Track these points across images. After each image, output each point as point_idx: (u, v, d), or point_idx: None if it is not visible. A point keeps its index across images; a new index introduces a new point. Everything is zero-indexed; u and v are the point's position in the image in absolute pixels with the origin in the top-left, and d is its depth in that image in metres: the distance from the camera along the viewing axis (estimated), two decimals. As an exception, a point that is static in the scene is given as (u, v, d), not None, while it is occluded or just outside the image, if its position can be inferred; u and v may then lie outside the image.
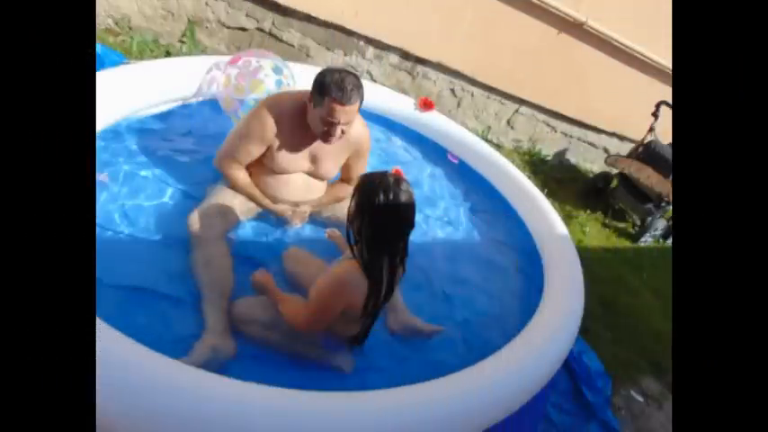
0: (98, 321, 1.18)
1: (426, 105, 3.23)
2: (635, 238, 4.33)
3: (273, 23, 3.59)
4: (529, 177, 3.40)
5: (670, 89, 4.31)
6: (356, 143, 2.04)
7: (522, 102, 4.57)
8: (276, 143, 1.90)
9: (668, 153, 4.22)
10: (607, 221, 4.42)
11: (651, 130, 4.37)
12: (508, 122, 4.69)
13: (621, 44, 4.30)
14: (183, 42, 3.51)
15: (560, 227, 2.64)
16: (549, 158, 4.95)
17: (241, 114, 2.29)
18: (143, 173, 2.02)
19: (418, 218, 1.52)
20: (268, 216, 2.07)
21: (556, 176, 4.70)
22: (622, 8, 4.15)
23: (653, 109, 4.31)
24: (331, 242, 2.01)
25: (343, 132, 1.81)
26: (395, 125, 3.22)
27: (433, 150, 3.20)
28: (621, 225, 4.50)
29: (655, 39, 4.21)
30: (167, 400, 1.17)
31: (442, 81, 4.23)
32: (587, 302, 2.17)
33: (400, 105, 3.23)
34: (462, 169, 3.14)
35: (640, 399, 2.64)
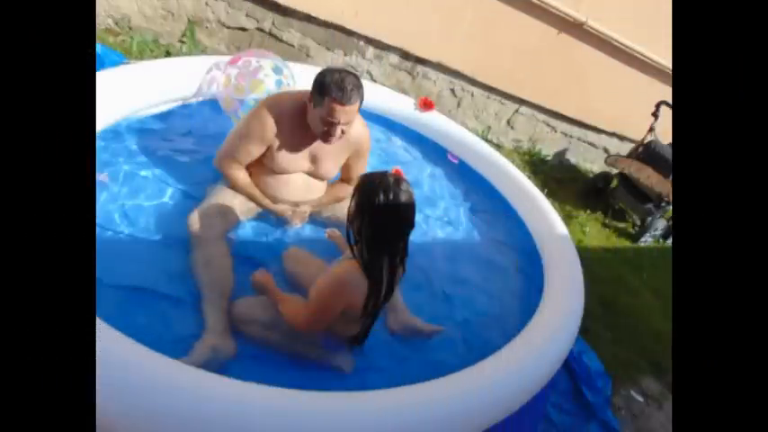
0: (98, 321, 1.18)
1: (426, 105, 3.23)
2: (635, 238, 4.33)
3: (273, 23, 3.59)
4: (529, 177, 3.40)
5: (670, 89, 4.31)
6: (356, 143, 2.04)
7: (522, 102, 4.57)
8: (276, 143, 1.90)
9: (668, 153, 4.22)
10: (607, 221, 4.42)
11: (651, 130, 4.37)
12: (508, 122, 4.69)
13: (621, 44, 4.30)
14: (183, 42, 3.51)
15: (560, 227, 2.64)
16: (549, 158, 4.95)
17: (241, 114, 2.30)
18: (143, 173, 2.02)
19: (418, 218, 1.51)
20: (268, 216, 2.07)
21: (556, 176, 4.70)
22: (622, 8, 4.15)
23: (653, 109, 4.31)
24: (331, 242, 2.01)
25: (343, 132, 1.81)
26: (395, 125, 3.22)
27: (433, 150, 3.20)
28: (621, 225, 4.50)
29: (655, 39, 4.21)
30: (167, 400, 1.17)
31: (442, 81, 4.23)
32: (587, 302, 2.17)
33: (400, 105, 3.23)
34: (462, 169, 3.14)
35: (640, 399, 2.64)
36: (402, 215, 1.44)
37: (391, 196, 1.40)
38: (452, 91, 4.32)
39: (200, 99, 2.54)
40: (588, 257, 2.85)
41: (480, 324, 2.10)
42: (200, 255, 1.74)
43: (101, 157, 2.00)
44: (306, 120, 1.86)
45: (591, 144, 5.17)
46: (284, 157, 1.94)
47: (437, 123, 3.26)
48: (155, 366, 1.21)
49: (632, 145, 4.69)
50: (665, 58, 4.44)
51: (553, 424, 2.20)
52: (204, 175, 2.10)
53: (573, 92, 4.61)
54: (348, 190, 1.98)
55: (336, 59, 3.87)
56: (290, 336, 1.61)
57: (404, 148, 3.12)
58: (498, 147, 4.55)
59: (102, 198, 1.85)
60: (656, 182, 4.15)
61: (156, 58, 3.28)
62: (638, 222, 4.51)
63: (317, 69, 1.80)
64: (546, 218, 2.70)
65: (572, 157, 5.17)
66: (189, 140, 2.33)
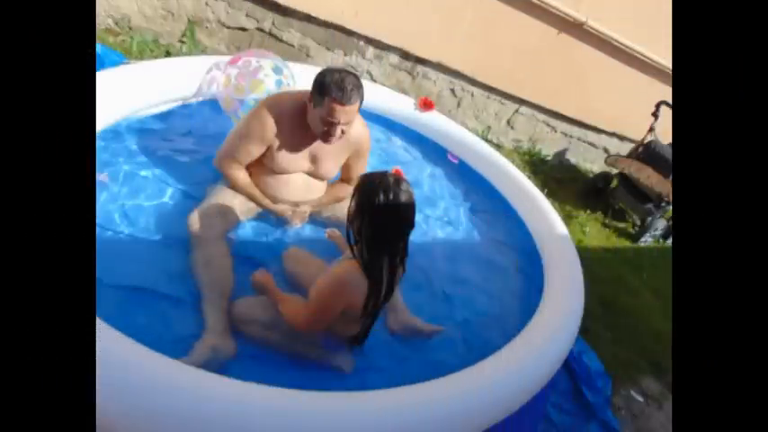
0: (98, 321, 1.18)
1: (426, 105, 3.23)
2: (635, 238, 4.33)
3: (273, 23, 3.59)
4: (529, 177, 3.40)
5: (670, 89, 4.31)
6: (356, 143, 2.04)
7: (522, 102, 4.57)
8: (276, 143, 1.90)
9: (668, 153, 4.22)
10: (607, 221, 4.43)
11: (651, 130, 4.37)
12: (508, 122, 4.69)
13: (621, 44, 4.30)
14: (183, 42, 3.51)
15: (560, 227, 2.64)
16: (549, 158, 4.95)
17: (241, 114, 2.29)
18: (143, 173, 2.02)
19: (418, 218, 1.51)
20: (268, 216, 2.07)
21: (556, 176, 4.70)
22: (622, 8, 4.15)
23: (653, 109, 4.31)
24: (331, 242, 2.01)
25: (343, 132, 1.81)
26: (395, 125, 3.22)
27: (433, 150, 3.20)
28: (621, 225, 4.50)
29: (655, 39, 4.21)
30: (167, 400, 1.17)
31: (442, 81, 4.23)
32: (587, 302, 2.17)
33: (400, 105, 3.23)
34: (462, 169, 3.14)
35: (640, 399, 2.64)
36: (402, 215, 1.44)
37: (391, 196, 1.40)
38: (452, 91, 4.32)
39: (200, 99, 2.54)
40: (588, 257, 2.85)
41: (480, 324, 2.10)
42: (200, 255, 1.74)
43: (101, 157, 2.00)
44: (306, 120, 1.86)
45: (591, 144, 5.17)
46: (284, 157, 1.94)
47: (437, 123, 3.25)
48: (155, 366, 1.21)
49: (632, 145, 4.69)
50: (665, 58, 4.44)
51: (553, 424, 2.20)
52: (204, 175, 2.10)
53: (573, 92, 4.61)
54: (348, 190, 1.98)
55: (336, 59, 3.87)
56: (290, 336, 1.61)
57: (404, 148, 3.12)
58: (498, 147, 4.55)
59: (102, 198, 1.85)
60: (656, 182, 4.15)
61: (156, 58, 3.28)
62: (638, 222, 4.51)
63: (317, 69, 1.80)
64: (546, 218, 2.70)
65: (572, 157, 5.17)
66: (189, 140, 2.33)
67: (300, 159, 1.98)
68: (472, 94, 4.38)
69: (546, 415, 2.19)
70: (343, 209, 1.81)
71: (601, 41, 4.26)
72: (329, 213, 2.17)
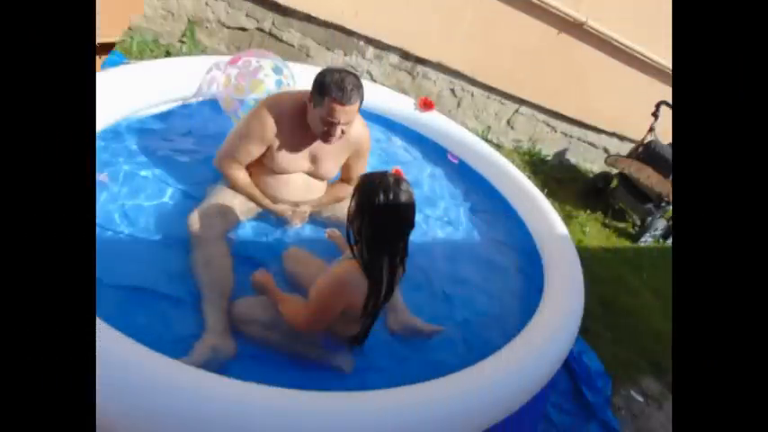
0: (98, 321, 1.18)
1: (426, 105, 3.23)
2: (635, 238, 4.33)
3: (273, 23, 3.59)
4: (529, 177, 3.40)
5: (670, 89, 4.31)
6: (356, 143, 2.04)
7: (522, 102, 4.57)
8: (276, 143, 1.90)
9: (668, 153, 4.22)
10: (607, 221, 4.43)
11: (651, 130, 4.37)
12: (508, 122, 4.69)
13: (621, 44, 4.30)
14: (183, 42, 3.51)
15: (560, 227, 2.64)
16: (549, 158, 4.95)
17: (241, 114, 2.30)
18: (143, 173, 2.02)
19: (418, 218, 1.52)
20: (268, 216, 2.07)
21: (556, 176, 4.71)
22: (622, 8, 4.15)
23: (653, 109, 4.31)
24: (331, 242, 2.01)
25: (343, 132, 1.81)
26: (395, 125, 3.22)
27: (433, 150, 3.20)
28: (621, 225, 4.50)
29: (655, 39, 4.22)
30: (167, 400, 1.17)
31: (442, 81, 4.23)
32: (587, 302, 2.17)
33: (400, 105, 3.23)
34: (462, 169, 3.14)
35: (640, 399, 2.64)
36: (402, 215, 1.44)
37: (391, 196, 1.40)
38: (452, 91, 4.32)
39: (200, 99, 2.54)
40: (588, 257, 2.85)
41: (480, 324, 2.10)
42: (200, 255, 1.74)
43: (101, 157, 2.00)
44: (306, 120, 1.86)
45: (591, 144, 5.17)
46: (284, 157, 1.94)
47: (437, 123, 3.26)
48: (155, 366, 1.21)
49: (632, 145, 4.69)
50: (665, 58, 4.44)
51: (553, 424, 2.20)
52: (204, 175, 2.10)
53: (573, 92, 4.61)
54: (348, 190, 1.98)
55: (336, 59, 3.87)
56: (290, 336, 1.61)
57: (404, 148, 3.12)
58: (498, 147, 4.55)
59: (102, 198, 1.85)
60: (656, 182, 4.15)
61: (156, 58, 3.28)
62: (638, 222, 4.51)
63: (317, 69, 1.80)
64: (546, 218, 2.70)
65: (572, 157, 5.17)
66: (189, 140, 2.33)
67: (300, 159, 1.98)
68: (472, 94, 4.38)
69: (546, 415, 2.19)
70: (343, 209, 1.81)
71: (601, 41, 4.26)
72: (329, 213, 2.17)
